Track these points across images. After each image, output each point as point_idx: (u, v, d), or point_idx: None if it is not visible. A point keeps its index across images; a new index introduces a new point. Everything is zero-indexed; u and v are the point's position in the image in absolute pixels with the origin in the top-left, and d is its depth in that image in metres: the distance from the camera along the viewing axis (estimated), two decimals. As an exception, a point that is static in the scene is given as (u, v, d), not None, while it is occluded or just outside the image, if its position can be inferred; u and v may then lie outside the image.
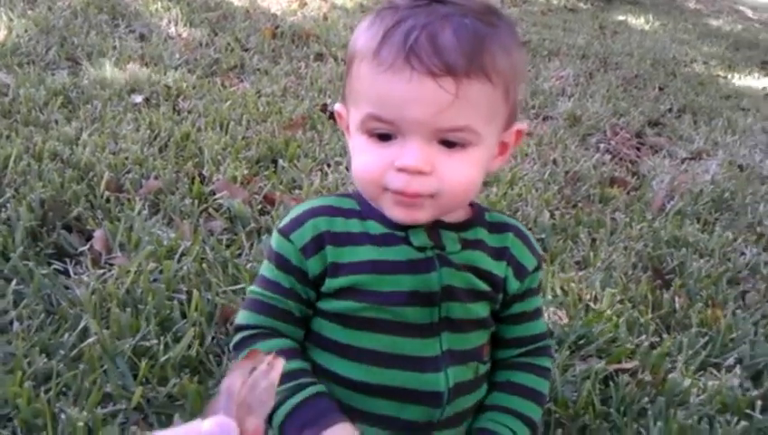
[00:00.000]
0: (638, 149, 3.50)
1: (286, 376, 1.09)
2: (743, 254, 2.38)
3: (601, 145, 3.39)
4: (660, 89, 4.79)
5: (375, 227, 1.15)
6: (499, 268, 1.18)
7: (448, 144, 1.05)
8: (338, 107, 1.18)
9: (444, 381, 1.13)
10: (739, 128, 4.11)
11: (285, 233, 1.17)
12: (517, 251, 1.21)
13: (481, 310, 1.17)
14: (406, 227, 1.13)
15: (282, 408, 1.10)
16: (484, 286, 1.16)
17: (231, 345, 1.20)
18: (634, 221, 2.48)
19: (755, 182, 3.17)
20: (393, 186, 1.05)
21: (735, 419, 1.52)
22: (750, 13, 10.79)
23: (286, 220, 1.20)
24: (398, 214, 1.10)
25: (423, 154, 1.03)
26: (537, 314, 1.26)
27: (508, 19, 1.11)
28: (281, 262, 1.17)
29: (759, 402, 1.59)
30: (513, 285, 1.19)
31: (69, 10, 3.95)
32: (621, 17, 8.06)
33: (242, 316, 1.19)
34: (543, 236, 2.28)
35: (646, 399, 1.54)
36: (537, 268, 1.23)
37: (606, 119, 3.76)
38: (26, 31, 3.47)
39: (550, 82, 4.46)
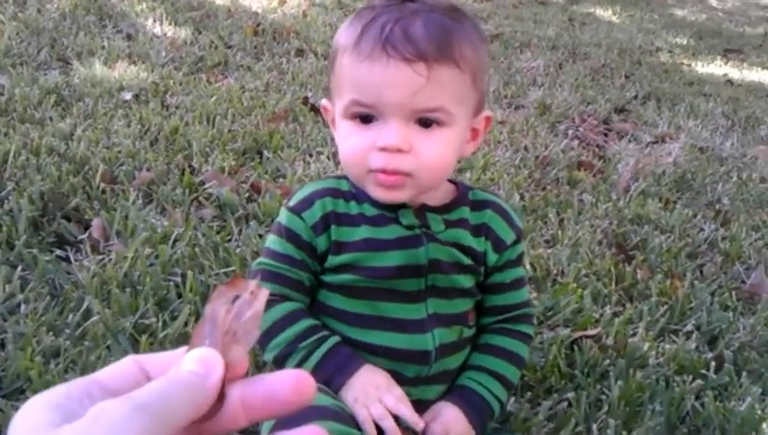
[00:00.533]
0: (606, 135, 3.64)
1: (307, 331, 1.26)
2: (701, 230, 2.53)
3: (570, 132, 3.52)
4: (626, 77, 4.93)
5: (369, 209, 1.28)
6: (479, 244, 1.31)
7: (425, 124, 1.17)
8: (324, 102, 1.31)
9: (431, 341, 1.27)
10: (701, 112, 4.26)
11: (297, 211, 1.29)
12: (495, 225, 1.33)
13: (464, 281, 1.31)
14: (395, 208, 1.26)
15: (309, 361, 1.25)
16: (467, 260, 1.29)
17: None
18: (600, 201, 2.62)
19: (715, 163, 3.32)
20: (375, 165, 1.18)
21: (690, 378, 1.66)
22: (714, 2, 10.95)
23: (296, 200, 1.32)
24: (380, 194, 1.22)
25: (401, 134, 1.16)
26: (517, 284, 1.39)
27: (472, 17, 1.25)
28: (292, 237, 1.30)
29: (713, 363, 1.73)
30: (492, 258, 1.33)
31: (57, 12, 4.03)
32: (590, 9, 8.19)
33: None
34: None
35: (608, 361, 1.68)
36: (516, 241, 1.36)
37: (574, 107, 3.89)
38: (17, 33, 3.56)
39: (521, 72, 4.59)
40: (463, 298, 1.33)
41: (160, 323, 1.60)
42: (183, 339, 1.56)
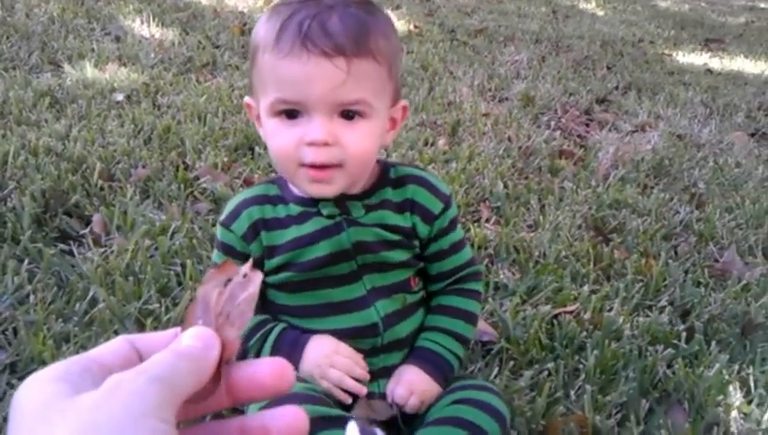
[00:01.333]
0: (587, 125, 3.74)
1: (254, 328, 1.37)
2: (677, 212, 2.63)
3: (552, 123, 3.62)
4: (608, 68, 5.02)
5: (294, 209, 1.36)
6: (404, 220, 1.38)
7: (348, 116, 1.23)
8: (247, 99, 1.36)
9: (375, 313, 1.37)
10: (680, 101, 4.36)
11: (227, 225, 1.38)
12: (420, 198, 1.39)
13: (395, 255, 1.38)
14: (316, 202, 1.34)
15: (265, 347, 1.36)
16: (394, 237, 1.37)
17: None
18: (580, 188, 2.71)
19: (692, 150, 3.41)
20: (306, 159, 1.23)
21: (663, 347, 1.76)
22: (699, -8, 11.09)
23: (225, 214, 1.40)
24: (312, 189, 1.28)
25: (326, 128, 1.21)
26: (456, 248, 1.45)
27: (385, 11, 1.31)
28: (227, 249, 1.40)
29: (684, 334, 1.83)
30: (424, 230, 1.39)
31: (46, 16, 4.12)
32: (574, 2, 8.29)
33: None
34: (499, 204, 2.51)
35: (585, 334, 1.78)
36: (445, 209, 1.41)
37: (557, 98, 3.99)
38: (8, 38, 3.65)
39: (505, 66, 4.68)
40: (399, 269, 1.40)
41: (163, 309, 1.69)
42: (185, 322, 1.65)
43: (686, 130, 3.75)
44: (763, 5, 10.91)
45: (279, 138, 1.26)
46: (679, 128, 3.80)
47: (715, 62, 5.93)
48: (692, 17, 8.47)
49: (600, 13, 7.95)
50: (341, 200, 1.34)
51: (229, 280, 0.59)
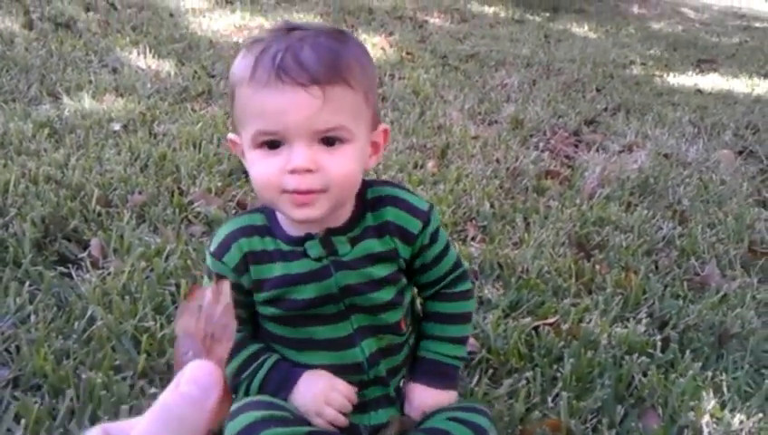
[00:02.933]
0: (576, 145, 3.81)
1: (249, 359, 1.42)
2: (660, 229, 2.70)
3: (541, 144, 3.69)
4: (598, 90, 5.11)
5: (283, 245, 1.39)
6: (384, 244, 1.40)
7: (329, 143, 1.26)
8: (231, 136, 1.39)
9: (360, 352, 1.41)
10: (668, 120, 4.44)
11: (218, 256, 1.40)
12: (398, 220, 1.41)
13: (384, 295, 1.41)
14: (303, 242, 1.37)
15: (252, 387, 1.41)
16: (381, 273, 1.39)
17: None
18: (565, 207, 2.79)
19: (678, 168, 3.49)
20: (289, 187, 1.25)
21: (636, 355, 1.83)
22: (692, 14, 11.20)
23: (215, 245, 1.42)
24: (296, 214, 1.28)
25: (308, 155, 1.23)
26: (439, 258, 1.48)
27: (356, 38, 1.36)
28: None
29: (660, 343, 1.90)
30: (405, 252, 1.42)
31: (44, 49, 4.22)
32: (566, 26, 8.39)
33: None
34: (485, 223, 2.59)
35: (563, 344, 1.85)
36: (424, 226, 1.42)
37: (546, 120, 4.07)
38: (7, 71, 3.74)
39: (495, 90, 4.76)
40: (388, 311, 1.43)
41: (158, 326, 1.76)
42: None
43: (672, 150, 3.83)
44: (757, 25, 11.02)
45: (261, 166, 1.28)
46: (666, 147, 3.87)
47: (706, 82, 6.02)
48: (685, 38, 8.57)
49: (593, 36, 8.04)
50: (327, 237, 1.37)
51: (200, 305, 0.59)
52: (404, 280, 1.45)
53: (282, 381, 1.39)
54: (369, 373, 1.43)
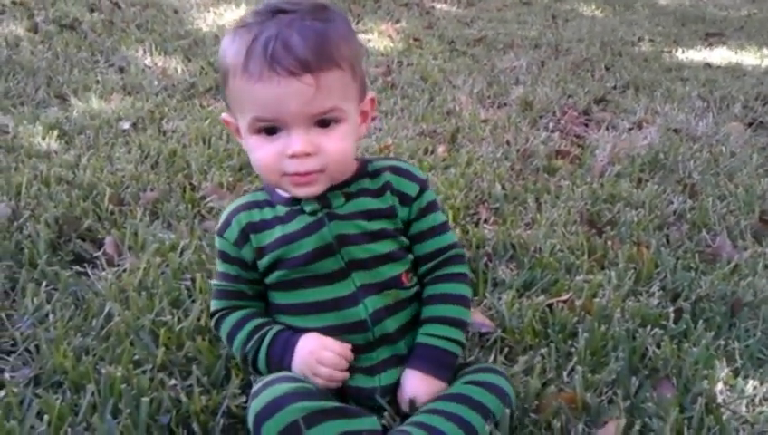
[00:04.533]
0: (586, 125, 3.81)
1: (249, 335, 1.49)
2: (670, 203, 2.70)
3: (551, 124, 3.69)
4: (607, 69, 5.09)
5: (280, 209, 1.48)
6: (383, 201, 1.49)
7: (324, 124, 1.35)
8: (224, 116, 1.50)
9: (363, 310, 1.46)
10: (677, 96, 4.42)
11: (221, 234, 1.53)
12: (396, 183, 1.50)
13: (380, 247, 1.48)
14: (300, 200, 1.46)
15: (259, 359, 1.47)
16: (375, 226, 1.47)
17: (213, 327, 1.59)
18: (576, 185, 2.79)
19: (688, 142, 3.48)
20: (290, 170, 1.36)
21: (650, 328, 1.84)
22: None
23: (219, 224, 1.54)
24: (298, 192, 1.41)
25: (306, 139, 1.34)
26: (438, 229, 1.55)
27: (340, 12, 1.42)
28: (223, 257, 1.54)
29: (672, 315, 1.91)
30: (403, 212, 1.50)
31: (50, 52, 4.24)
32: (573, 6, 8.35)
33: (212, 305, 1.57)
34: (497, 204, 2.59)
35: (576, 320, 1.86)
36: (421, 191, 1.51)
37: (555, 101, 4.06)
38: (14, 75, 3.77)
39: (504, 73, 4.75)
40: (387, 264, 1.49)
41: (176, 320, 1.77)
42: (198, 331, 1.74)
43: (682, 125, 3.82)
44: (765, -4, 10.95)
45: (261, 152, 1.38)
46: (676, 122, 3.86)
47: (715, 56, 5.99)
48: (693, 13, 8.51)
49: (600, 15, 8.00)
50: (322, 193, 1.44)
51: None
52: (403, 239, 1.51)
53: (284, 349, 1.44)
54: (375, 331, 1.47)
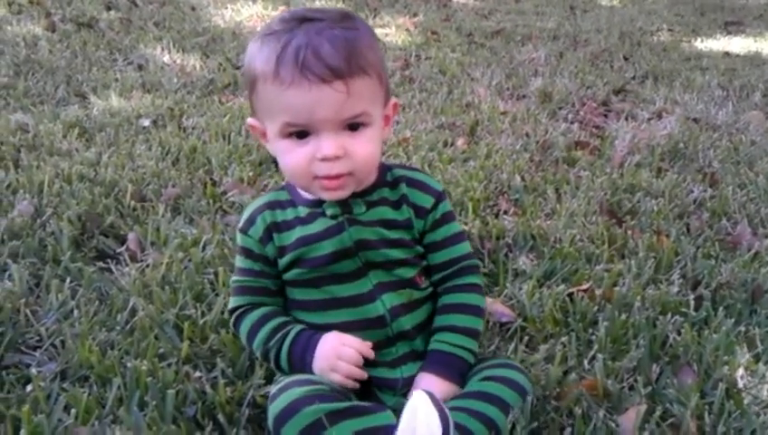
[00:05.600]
0: (605, 115, 3.81)
1: (271, 333, 1.51)
2: (691, 192, 2.70)
3: (570, 116, 3.69)
4: (626, 59, 5.09)
5: (302, 210, 1.52)
6: (401, 214, 1.53)
7: (353, 128, 1.38)
8: (250, 121, 1.52)
9: (381, 306, 1.49)
10: (697, 85, 4.42)
11: (245, 231, 1.56)
12: (412, 196, 1.55)
13: (397, 254, 1.51)
14: (321, 203, 1.49)
15: (281, 358, 1.49)
16: (393, 235, 1.51)
17: (231, 324, 1.60)
18: (596, 176, 2.79)
19: (708, 131, 3.47)
20: (321, 173, 1.40)
21: (670, 314, 1.84)
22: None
23: (243, 221, 1.57)
24: (327, 196, 1.45)
25: (336, 143, 1.37)
26: (453, 239, 1.58)
27: (363, 20, 1.45)
28: (247, 253, 1.56)
29: (693, 302, 1.91)
30: (418, 224, 1.54)
31: (68, 50, 4.28)
32: (591, -4, 8.33)
33: (232, 301, 1.59)
34: (517, 196, 2.60)
35: (597, 308, 1.86)
36: (436, 203, 1.55)
37: (574, 92, 4.07)
38: (33, 74, 3.80)
39: (523, 65, 4.75)
40: (403, 267, 1.53)
41: (199, 313, 1.79)
42: (222, 324, 1.75)
43: (702, 114, 3.81)
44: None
45: (292, 156, 1.41)
46: (695, 112, 3.86)
47: (734, 45, 5.96)
48: (712, 2, 8.48)
49: (619, 5, 7.98)
50: (344, 200, 1.48)
51: None
52: (419, 247, 1.55)
53: (305, 347, 1.46)
54: (393, 327, 1.50)
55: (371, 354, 1.45)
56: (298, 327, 1.50)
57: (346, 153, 1.38)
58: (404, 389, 1.49)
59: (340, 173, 1.40)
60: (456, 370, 1.49)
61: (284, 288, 1.57)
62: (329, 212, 1.49)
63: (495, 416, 1.37)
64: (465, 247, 1.61)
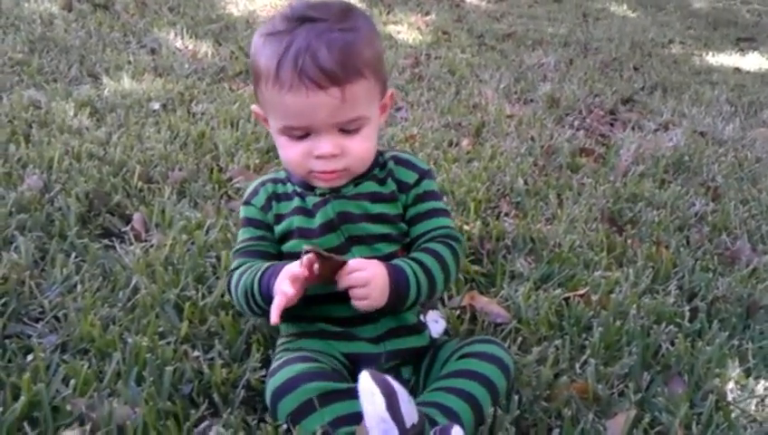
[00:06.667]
0: (612, 124, 3.83)
1: (254, 270, 1.52)
2: (693, 205, 2.72)
3: (576, 123, 3.71)
4: (635, 69, 5.10)
5: (298, 188, 1.60)
6: (386, 187, 1.58)
7: (348, 130, 1.45)
8: (254, 107, 1.61)
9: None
10: (705, 99, 4.44)
11: (248, 201, 1.64)
12: (397, 172, 1.61)
13: (378, 228, 1.57)
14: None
15: (254, 285, 1.50)
16: (376, 210, 1.56)
17: (226, 285, 1.62)
18: (599, 183, 2.81)
19: (714, 146, 3.49)
20: (317, 169, 1.48)
21: (664, 324, 1.86)
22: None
23: (246, 195, 1.66)
24: (322, 184, 1.54)
25: (333, 143, 1.45)
26: (433, 213, 1.62)
27: (364, 14, 1.50)
28: (249, 222, 1.63)
29: (688, 314, 1.93)
30: (402, 198, 1.59)
31: (83, 30, 4.30)
32: (605, 5, 8.31)
33: (232, 265, 1.61)
34: (519, 199, 2.62)
35: (592, 314, 1.89)
36: (419, 180, 1.60)
37: (582, 99, 4.08)
38: (48, 52, 3.82)
39: (532, 69, 4.76)
40: (384, 242, 1.57)
41: (200, 295, 1.82)
42: (221, 307, 1.78)
43: (708, 128, 3.83)
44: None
45: (290, 151, 1.50)
46: (702, 125, 3.88)
47: (746, 62, 5.97)
48: (725, 17, 8.46)
49: (632, 15, 7.97)
50: None
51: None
52: (402, 224, 1.60)
53: (270, 275, 1.47)
54: None
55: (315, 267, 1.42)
56: (267, 262, 1.53)
57: (342, 151, 1.46)
58: (387, 363, 1.52)
59: (335, 169, 1.48)
60: (398, 284, 1.46)
61: (282, 257, 1.59)
62: (318, 190, 1.57)
63: (476, 391, 1.42)
64: (447, 221, 1.64)
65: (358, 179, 1.57)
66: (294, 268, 1.40)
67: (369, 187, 1.58)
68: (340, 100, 1.40)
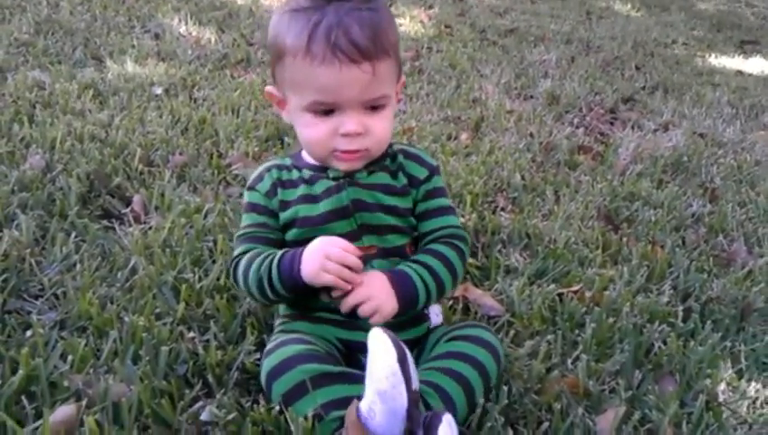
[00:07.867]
0: (611, 123, 3.83)
1: (264, 257, 1.52)
2: (690, 206, 2.73)
3: (576, 120, 3.72)
4: (637, 68, 5.11)
5: (306, 172, 1.59)
6: (398, 181, 1.59)
7: (373, 108, 1.47)
8: (269, 89, 1.60)
9: (371, 269, 1.51)
10: (706, 101, 4.45)
11: (253, 187, 1.63)
12: (408, 167, 1.62)
13: (391, 220, 1.57)
14: (327, 168, 1.57)
15: (273, 274, 1.49)
16: (389, 202, 1.57)
17: (231, 272, 1.62)
18: (596, 181, 2.82)
19: (713, 148, 3.50)
20: (341, 147, 1.49)
21: (657, 323, 1.88)
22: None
23: (250, 180, 1.66)
24: (342, 166, 1.54)
25: (359, 121, 1.46)
26: (442, 211, 1.64)
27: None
28: (253, 208, 1.62)
29: (681, 314, 1.95)
30: (412, 193, 1.60)
31: (89, 14, 4.31)
32: (608, 3, 8.31)
33: (235, 252, 1.61)
34: (516, 194, 2.64)
35: (585, 310, 1.90)
36: (430, 175, 1.62)
37: (583, 97, 4.08)
38: (53, 34, 3.84)
39: (533, 65, 4.77)
40: (395, 234, 1.59)
41: (196, 277, 1.84)
42: (217, 290, 1.81)
43: (708, 129, 3.84)
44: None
45: (314, 129, 1.50)
46: (702, 127, 3.88)
47: (748, 64, 5.97)
48: (729, 19, 8.46)
49: (636, 14, 7.97)
50: None
51: None
52: (411, 218, 1.61)
53: (291, 258, 1.47)
54: None
55: (358, 252, 1.46)
56: (283, 250, 1.52)
57: (366, 131, 1.47)
58: None
59: (358, 149, 1.49)
60: (406, 291, 1.49)
61: (285, 244, 1.60)
62: (332, 174, 1.57)
63: (468, 374, 1.43)
64: (455, 220, 1.66)
65: (370, 167, 1.58)
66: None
67: (382, 178, 1.59)
68: (371, 74, 1.41)
